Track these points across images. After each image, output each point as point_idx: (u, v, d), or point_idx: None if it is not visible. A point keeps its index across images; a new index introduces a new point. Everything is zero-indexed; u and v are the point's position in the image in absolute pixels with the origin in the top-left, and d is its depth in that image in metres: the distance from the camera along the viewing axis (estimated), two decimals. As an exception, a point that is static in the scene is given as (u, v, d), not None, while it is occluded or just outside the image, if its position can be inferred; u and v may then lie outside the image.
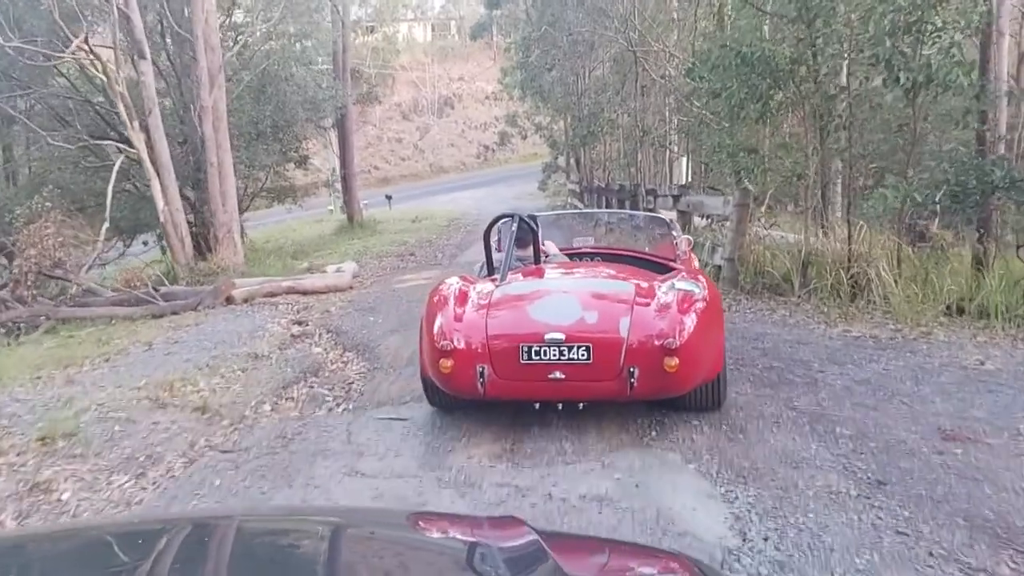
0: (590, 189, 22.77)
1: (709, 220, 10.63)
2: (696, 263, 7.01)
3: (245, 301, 11.20)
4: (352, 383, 6.65)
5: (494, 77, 41.45)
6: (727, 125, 8.39)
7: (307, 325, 9.38)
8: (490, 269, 5.70)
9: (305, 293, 11.68)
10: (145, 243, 18.89)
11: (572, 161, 27.17)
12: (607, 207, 17.53)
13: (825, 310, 7.86)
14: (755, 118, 7.82)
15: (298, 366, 7.24)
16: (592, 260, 6.53)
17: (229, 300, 11.16)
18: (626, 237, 7.62)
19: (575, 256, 6.61)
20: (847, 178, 8.14)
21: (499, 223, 6.02)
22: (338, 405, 6.02)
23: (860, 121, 7.98)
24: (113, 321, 10.90)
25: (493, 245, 5.97)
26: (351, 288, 11.99)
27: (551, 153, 30.33)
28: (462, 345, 4.55)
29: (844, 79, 7.75)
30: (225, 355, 7.65)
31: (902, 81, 7.33)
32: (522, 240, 5.79)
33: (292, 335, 8.84)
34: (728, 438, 4.65)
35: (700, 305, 4.68)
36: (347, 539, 1.53)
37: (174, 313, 10.91)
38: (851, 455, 4.37)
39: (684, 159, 19.22)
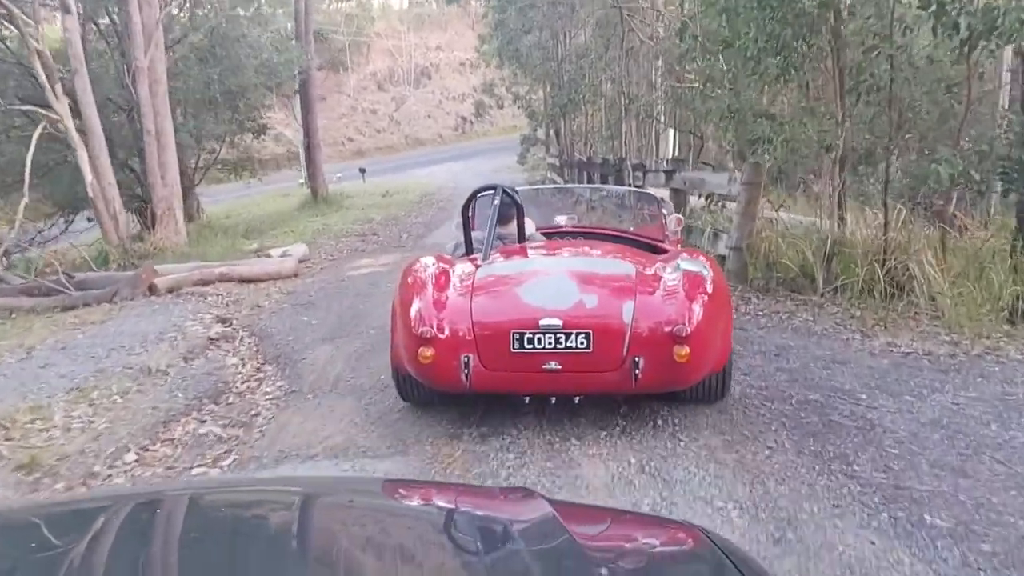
0: (570, 163, 21.10)
1: (708, 200, 9.04)
2: (680, 246, 6.05)
3: (171, 291, 9.53)
4: (257, 415, 5.04)
5: (472, 46, 39.45)
6: (734, 86, 6.76)
7: (231, 325, 7.74)
8: (468, 247, 5.09)
9: (242, 281, 10.02)
10: (90, 219, 17.10)
11: (552, 133, 25.43)
12: (588, 183, 15.90)
13: (857, 314, 6.29)
14: (775, 74, 6.21)
15: (198, 387, 5.62)
16: (574, 240, 5.76)
17: (152, 290, 9.47)
18: (611, 215, 6.77)
19: (555, 236, 5.85)
20: (885, 150, 6.55)
21: (479, 196, 5.26)
22: (228, 454, 4.41)
23: (901, 80, 6.38)
24: (13, 315, 9.19)
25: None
26: (295, 276, 10.33)
27: (530, 124, 28.53)
28: (444, 332, 4.00)
29: (888, 26, 6.12)
30: (113, 369, 6.02)
31: (961, 29, 5.73)
32: (504, 216, 5.12)
33: (209, 338, 7.20)
34: (774, 539, 3.06)
35: (709, 287, 4.18)
36: (357, 511, 1.44)
37: (87, 305, 9.21)
38: (964, 573, 2.82)
39: (671, 131, 17.62)
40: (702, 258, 4.66)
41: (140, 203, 16.00)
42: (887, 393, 4.71)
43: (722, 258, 7.66)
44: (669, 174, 9.52)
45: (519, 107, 26.16)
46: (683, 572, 1.29)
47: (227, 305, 8.70)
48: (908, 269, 6.34)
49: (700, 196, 9.59)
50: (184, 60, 15.72)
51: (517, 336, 3.92)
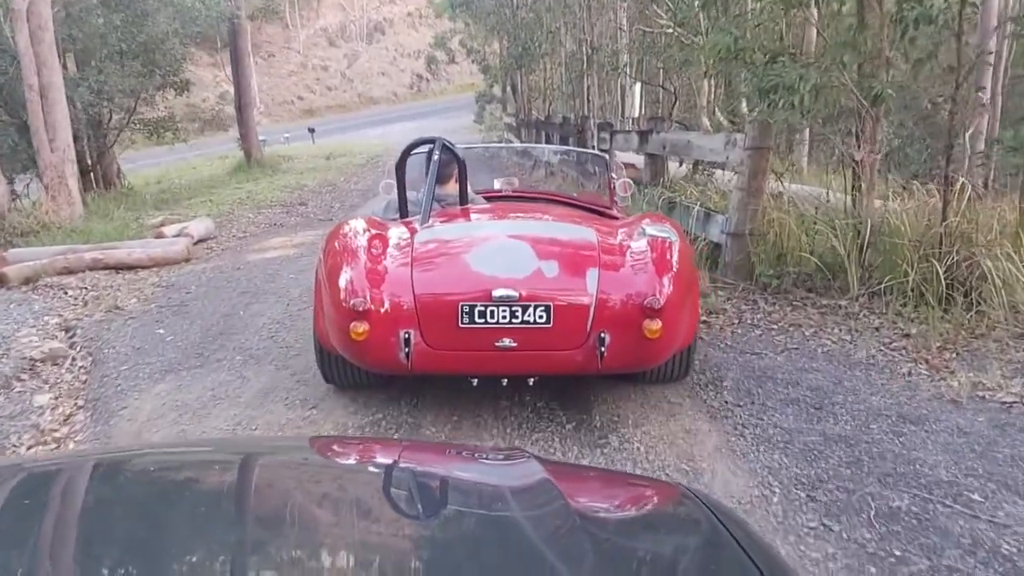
0: (527, 123, 19.05)
1: (692, 169, 7.14)
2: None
3: (27, 282, 7.47)
4: None
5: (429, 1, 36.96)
6: (739, 15, 4.83)
7: (74, 336, 5.76)
8: (403, 210, 4.36)
9: (119, 268, 7.99)
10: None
11: (508, 90, 23.28)
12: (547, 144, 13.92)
13: (912, 331, 4.46)
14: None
15: (-47, 459, 3.65)
16: (521, 204, 5.09)
17: (1, 280, 7.43)
18: (556, 177, 6.41)
19: (495, 201, 5.07)
20: (949, 99, 4.70)
21: (415, 151, 4.52)
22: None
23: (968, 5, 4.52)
24: None
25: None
26: (187, 261, 8.28)
27: (485, 80, 26.32)
28: (380, 304, 3.40)
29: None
30: None
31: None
32: (443, 175, 4.46)
33: (32, 360, 5.20)
34: None
35: (677, 255, 3.63)
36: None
37: (-85, 302, 7.15)
38: None
39: (638, 86, 15.68)
40: (667, 223, 4.04)
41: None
42: (1010, 489, 2.88)
43: (716, 246, 5.79)
44: (644, 135, 7.55)
45: (472, 61, 23.94)
46: (674, 531, 1.23)
47: (85, 304, 6.68)
48: (979, 267, 4.52)
49: (681, 164, 7.70)
50: (77, 3, 13.33)
51: (466, 309, 3.39)
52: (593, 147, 10.63)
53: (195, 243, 9.18)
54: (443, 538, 1.07)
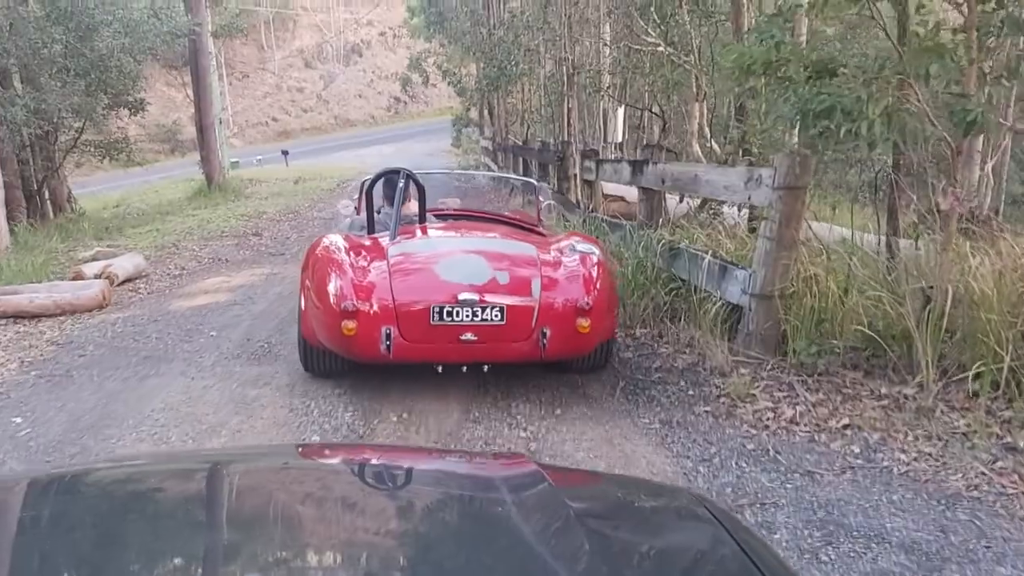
0: (504, 147, 17.83)
1: (698, 207, 5.90)
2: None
3: (-95, 335, 6.10)
4: None
5: (404, 19, 35.77)
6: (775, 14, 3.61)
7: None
8: (371, 227, 4.90)
9: (19, 317, 6.63)
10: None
11: (485, 113, 22.07)
12: (524, 172, 12.69)
13: (1018, 443, 3.22)
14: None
15: None
16: (469, 223, 5.67)
17: None
18: (492, 199, 6.97)
19: (441, 218, 5.65)
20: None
21: (383, 179, 5.26)
22: None
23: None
24: None
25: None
26: (101, 308, 6.91)
27: (462, 103, 25.09)
28: (366, 306, 4.03)
29: None
30: None
31: None
32: (406, 197, 5.05)
33: None
34: None
35: (600, 266, 4.37)
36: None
37: None
38: None
39: (621, 110, 14.52)
40: (592, 242, 4.77)
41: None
42: None
43: (734, 308, 4.52)
44: (637, 166, 6.27)
45: (448, 83, 22.73)
46: (676, 532, 1.21)
47: (-42, 367, 5.32)
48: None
49: (682, 200, 6.46)
50: (17, 15, 11.97)
51: (437, 310, 3.98)
52: (575, 175, 9.43)
53: (120, 283, 7.83)
54: (444, 538, 1.06)
